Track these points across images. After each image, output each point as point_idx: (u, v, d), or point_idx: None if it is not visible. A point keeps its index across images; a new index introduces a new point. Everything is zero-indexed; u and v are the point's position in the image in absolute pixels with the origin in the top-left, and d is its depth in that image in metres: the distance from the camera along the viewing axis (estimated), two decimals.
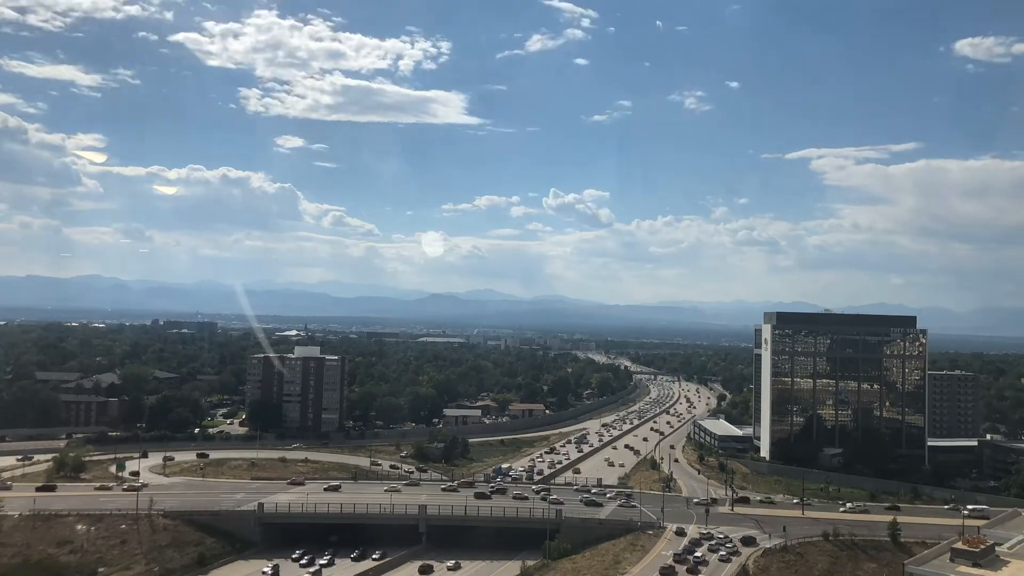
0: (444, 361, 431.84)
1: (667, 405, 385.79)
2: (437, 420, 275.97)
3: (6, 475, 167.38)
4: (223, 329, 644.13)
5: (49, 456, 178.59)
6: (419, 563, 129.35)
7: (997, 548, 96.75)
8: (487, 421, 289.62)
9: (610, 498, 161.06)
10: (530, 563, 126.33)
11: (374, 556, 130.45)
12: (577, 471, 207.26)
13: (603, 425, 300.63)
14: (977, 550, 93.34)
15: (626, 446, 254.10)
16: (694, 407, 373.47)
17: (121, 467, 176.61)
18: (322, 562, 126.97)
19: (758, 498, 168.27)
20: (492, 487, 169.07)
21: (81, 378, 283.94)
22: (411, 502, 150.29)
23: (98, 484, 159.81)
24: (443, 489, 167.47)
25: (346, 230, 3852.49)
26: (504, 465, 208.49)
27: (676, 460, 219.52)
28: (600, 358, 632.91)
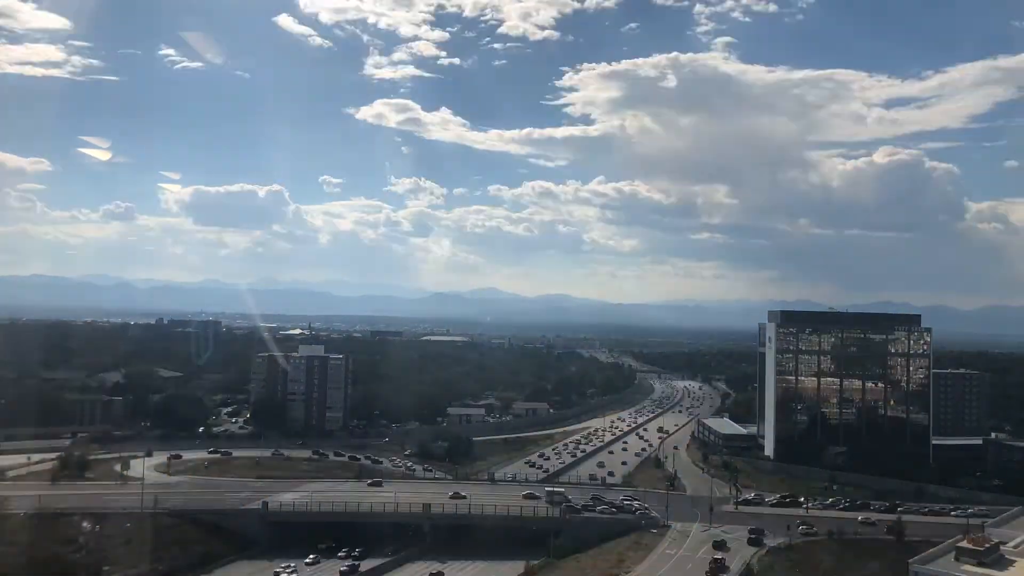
0: (448, 360, 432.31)
1: (671, 404, 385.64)
2: (441, 419, 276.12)
3: (11, 473, 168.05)
4: (227, 328, 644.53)
5: (54, 455, 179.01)
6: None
7: (1002, 547, 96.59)
8: (491, 420, 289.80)
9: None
10: (534, 562, 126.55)
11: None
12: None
13: (607, 424, 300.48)
14: (982, 549, 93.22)
15: (631, 443, 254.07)
16: (698, 406, 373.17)
17: (126, 466, 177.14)
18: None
19: (768, 498, 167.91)
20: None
21: (86, 377, 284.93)
22: (415, 500, 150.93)
23: (103, 483, 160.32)
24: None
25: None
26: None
27: (680, 459, 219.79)
28: (604, 357, 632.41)
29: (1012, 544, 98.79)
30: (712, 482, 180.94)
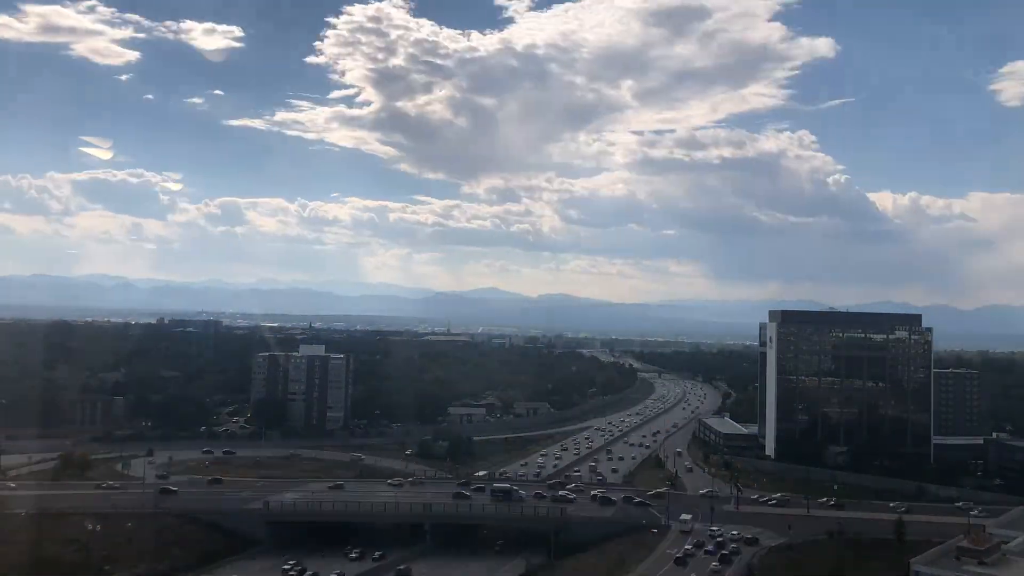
0: (449, 359, 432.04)
1: (672, 403, 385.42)
2: (442, 419, 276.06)
3: (12, 473, 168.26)
4: (228, 328, 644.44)
5: (55, 455, 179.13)
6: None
7: (1003, 547, 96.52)
8: (492, 420, 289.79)
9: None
10: (535, 561, 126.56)
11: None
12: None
13: (608, 423, 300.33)
14: (983, 548, 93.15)
15: (631, 444, 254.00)
16: (699, 405, 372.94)
17: (126, 466, 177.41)
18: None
19: (766, 497, 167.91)
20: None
21: (87, 377, 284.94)
22: (416, 500, 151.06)
23: (104, 483, 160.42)
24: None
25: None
26: None
27: (681, 458, 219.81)
28: (605, 356, 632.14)
29: (1014, 544, 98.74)
30: (713, 482, 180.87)
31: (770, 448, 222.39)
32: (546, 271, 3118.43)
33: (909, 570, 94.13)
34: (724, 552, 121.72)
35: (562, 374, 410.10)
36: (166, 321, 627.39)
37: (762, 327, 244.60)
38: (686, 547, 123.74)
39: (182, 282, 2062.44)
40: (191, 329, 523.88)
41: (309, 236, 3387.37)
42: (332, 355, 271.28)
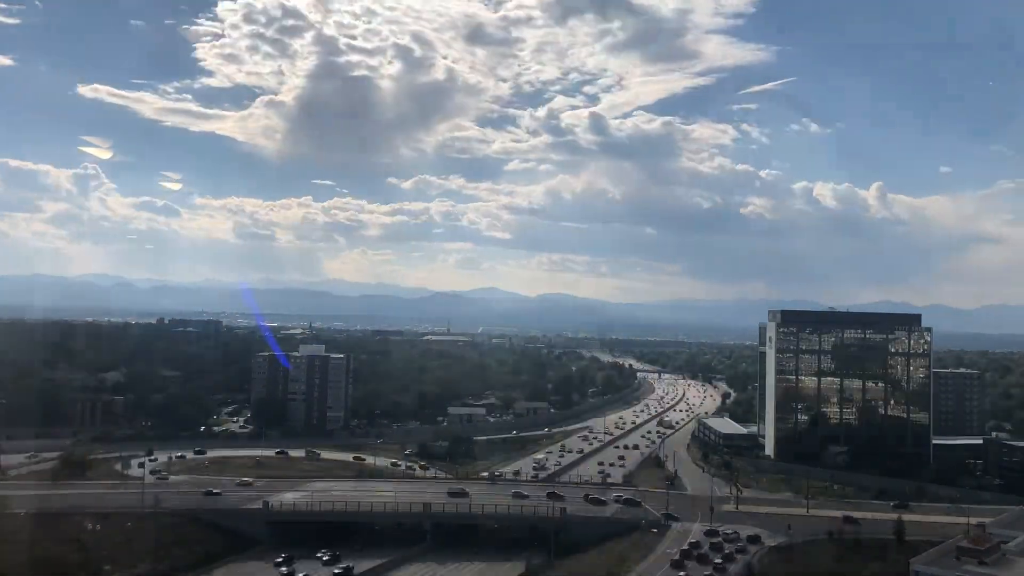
0: (449, 359, 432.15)
1: (671, 403, 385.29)
2: (441, 418, 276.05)
3: (12, 473, 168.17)
4: (228, 328, 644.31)
5: (55, 454, 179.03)
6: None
7: (1003, 547, 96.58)
8: (491, 419, 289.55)
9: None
10: (535, 561, 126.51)
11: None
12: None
13: (607, 423, 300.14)
14: (983, 548, 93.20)
15: (630, 445, 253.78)
16: (698, 405, 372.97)
17: (126, 465, 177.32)
18: None
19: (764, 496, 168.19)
20: None
21: (87, 376, 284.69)
22: (415, 499, 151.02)
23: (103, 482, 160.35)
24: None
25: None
26: None
27: (681, 458, 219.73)
28: (605, 356, 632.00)
29: (1013, 544, 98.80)
30: (712, 481, 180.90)
31: (770, 448, 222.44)
32: (527, 269, 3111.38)
33: (909, 570, 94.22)
34: (724, 552, 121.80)
35: (562, 374, 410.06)
36: (166, 321, 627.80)
37: (762, 327, 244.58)
38: (683, 548, 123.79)
39: (181, 282, 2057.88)
40: (191, 329, 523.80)
41: (262, 234, 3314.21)
42: (332, 355, 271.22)
